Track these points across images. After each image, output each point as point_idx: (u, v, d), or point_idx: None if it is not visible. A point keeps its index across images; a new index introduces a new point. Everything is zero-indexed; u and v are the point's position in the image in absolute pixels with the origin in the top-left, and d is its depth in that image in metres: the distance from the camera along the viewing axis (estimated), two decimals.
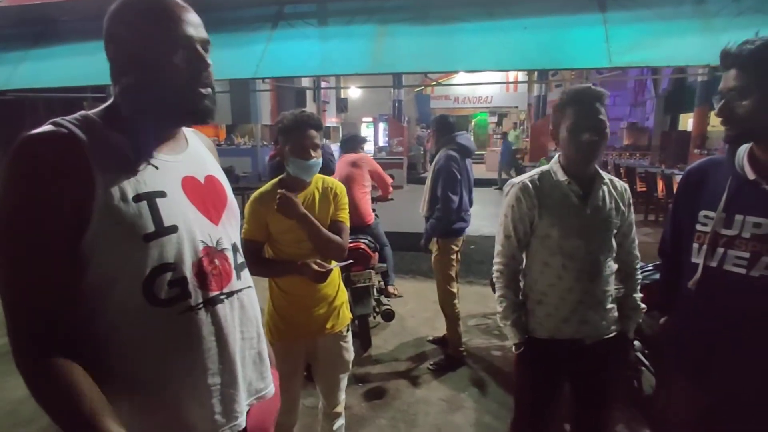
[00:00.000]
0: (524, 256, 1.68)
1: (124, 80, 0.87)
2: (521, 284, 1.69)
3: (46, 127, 0.79)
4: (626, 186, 1.66)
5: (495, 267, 1.69)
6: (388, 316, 3.39)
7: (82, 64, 5.90)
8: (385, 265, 3.66)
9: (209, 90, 0.90)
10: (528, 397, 1.71)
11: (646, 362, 2.51)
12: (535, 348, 1.62)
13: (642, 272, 2.45)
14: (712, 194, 1.24)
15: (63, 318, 0.77)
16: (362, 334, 3.35)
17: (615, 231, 1.61)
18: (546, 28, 4.91)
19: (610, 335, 1.62)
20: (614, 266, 1.64)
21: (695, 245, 1.26)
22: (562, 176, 1.58)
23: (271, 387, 1.08)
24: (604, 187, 1.59)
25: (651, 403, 2.43)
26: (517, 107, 19.42)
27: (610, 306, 1.62)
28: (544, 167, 1.66)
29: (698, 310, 1.27)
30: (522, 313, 1.65)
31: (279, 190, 1.67)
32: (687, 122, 14.08)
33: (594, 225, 1.56)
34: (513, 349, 1.67)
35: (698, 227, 1.25)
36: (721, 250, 1.19)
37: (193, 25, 0.88)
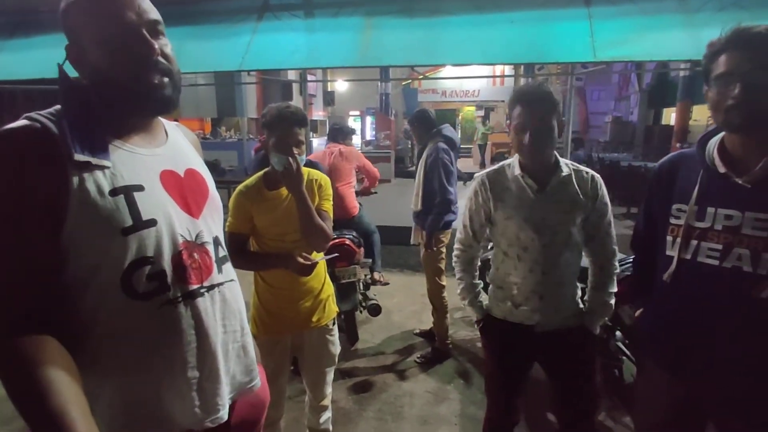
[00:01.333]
0: (489, 243, 1.78)
1: (80, 75, 0.87)
2: (490, 268, 1.77)
3: (20, 122, 0.79)
4: (595, 174, 1.63)
5: (454, 252, 1.81)
6: (375, 310, 3.39)
7: (62, 55, 5.80)
8: (369, 260, 3.66)
9: (165, 79, 0.87)
10: (496, 370, 1.78)
11: (627, 352, 2.57)
12: (494, 325, 1.73)
13: (624, 264, 2.50)
14: (684, 188, 1.26)
15: (42, 306, 0.76)
16: (349, 329, 3.35)
17: (579, 223, 1.60)
18: (532, 22, 4.93)
19: (567, 327, 1.64)
20: (576, 260, 1.65)
21: (669, 238, 1.27)
22: (517, 170, 1.61)
23: (257, 380, 1.08)
24: (564, 179, 1.59)
25: (632, 392, 2.48)
26: (503, 101, 19.49)
27: (565, 299, 1.65)
28: (506, 161, 1.70)
29: (673, 302, 1.29)
30: (479, 292, 1.78)
31: (290, 158, 1.66)
32: (670, 116, 14.30)
33: (549, 218, 1.57)
34: (475, 324, 1.81)
35: (672, 220, 1.27)
36: (694, 242, 1.21)
37: (134, 9, 0.85)
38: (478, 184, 1.69)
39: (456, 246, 1.81)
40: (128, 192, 0.83)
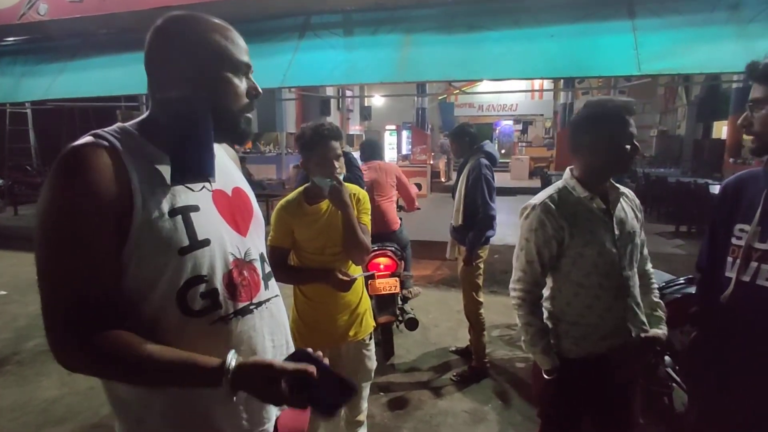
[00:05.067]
0: (550, 279, 1.59)
1: (167, 94, 0.88)
2: (550, 307, 1.59)
3: (88, 139, 0.81)
4: (632, 192, 1.63)
5: (516, 294, 1.56)
6: (412, 325, 3.37)
7: (116, 75, 6.14)
8: (410, 273, 3.66)
9: (249, 116, 0.94)
10: (566, 415, 1.61)
11: (677, 378, 2.43)
12: (565, 370, 1.53)
13: (672, 285, 2.39)
14: (748, 207, 1.22)
15: (104, 310, 0.79)
16: (385, 342, 3.34)
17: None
18: (573, 36, 4.86)
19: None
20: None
21: (729, 259, 1.23)
22: (582, 192, 1.49)
23: None
24: (622, 198, 1.55)
25: (682, 421, 2.34)
26: (542, 115, 19.21)
27: (643, 318, 1.56)
28: (559, 183, 1.58)
29: (729, 325, 1.24)
30: (550, 338, 1.55)
31: (335, 175, 1.73)
32: (721, 130, 13.65)
33: (623, 238, 1.50)
34: (545, 375, 1.55)
35: (733, 241, 1.23)
36: (754, 264, 1.17)
37: (246, 51, 0.90)
38: (543, 213, 1.48)
39: (518, 287, 1.56)
40: (185, 212, 0.85)
